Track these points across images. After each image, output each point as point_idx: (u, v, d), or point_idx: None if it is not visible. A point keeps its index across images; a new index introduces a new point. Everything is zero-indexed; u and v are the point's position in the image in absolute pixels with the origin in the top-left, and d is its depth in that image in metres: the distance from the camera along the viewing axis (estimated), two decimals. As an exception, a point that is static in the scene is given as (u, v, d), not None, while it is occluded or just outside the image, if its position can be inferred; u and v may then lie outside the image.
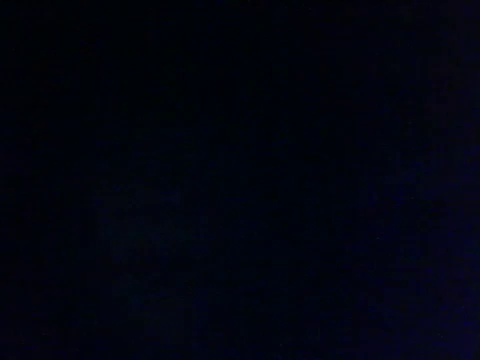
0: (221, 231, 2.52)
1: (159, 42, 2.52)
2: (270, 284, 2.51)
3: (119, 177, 2.51)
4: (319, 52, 2.53)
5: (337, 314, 2.50)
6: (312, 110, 2.54)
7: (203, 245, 2.52)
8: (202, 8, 2.51)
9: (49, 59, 2.53)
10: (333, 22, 2.53)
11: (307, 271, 2.52)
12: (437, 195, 2.52)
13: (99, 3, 2.52)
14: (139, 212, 2.50)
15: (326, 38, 2.53)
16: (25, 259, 2.47)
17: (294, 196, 2.53)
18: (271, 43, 2.53)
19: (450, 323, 2.50)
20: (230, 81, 2.54)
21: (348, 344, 2.50)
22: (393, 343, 2.50)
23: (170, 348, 2.50)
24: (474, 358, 2.48)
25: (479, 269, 2.50)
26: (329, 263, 2.52)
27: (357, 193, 2.52)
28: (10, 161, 2.51)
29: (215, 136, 2.53)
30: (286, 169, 2.53)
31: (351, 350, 2.50)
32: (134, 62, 2.52)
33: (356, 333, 2.50)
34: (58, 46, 2.52)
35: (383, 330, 2.50)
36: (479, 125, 2.53)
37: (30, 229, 2.47)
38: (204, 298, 2.51)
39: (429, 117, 2.54)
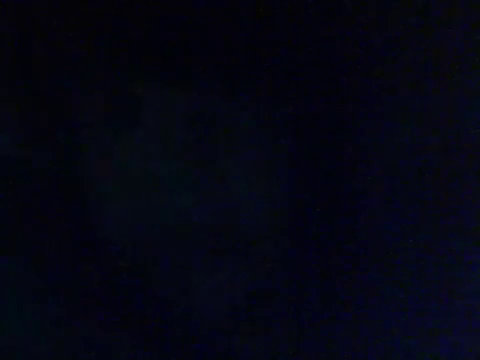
0: (220, 230, 2.53)
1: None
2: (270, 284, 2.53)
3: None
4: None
5: (337, 314, 2.51)
6: (312, 109, 2.54)
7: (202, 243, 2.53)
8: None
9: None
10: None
11: (308, 270, 2.52)
12: (437, 194, 2.53)
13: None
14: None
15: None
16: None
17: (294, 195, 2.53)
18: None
19: (450, 323, 2.50)
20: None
21: (348, 344, 2.51)
22: (393, 343, 2.51)
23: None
24: (474, 358, 2.49)
25: (479, 269, 2.51)
26: (329, 263, 2.52)
27: (357, 190, 2.53)
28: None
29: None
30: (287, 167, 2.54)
31: (351, 350, 2.51)
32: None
33: (356, 333, 2.51)
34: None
35: (383, 330, 2.51)
36: (479, 124, 2.53)
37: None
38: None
39: (429, 116, 2.54)
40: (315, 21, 2.50)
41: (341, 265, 2.52)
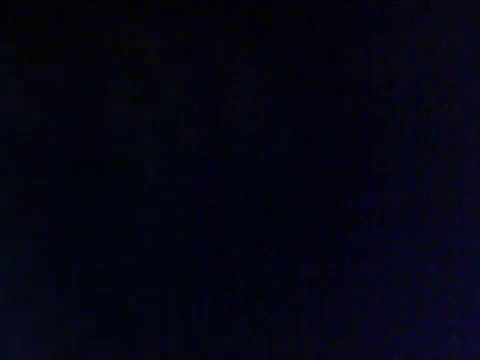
0: (220, 230, 2.53)
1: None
2: (269, 284, 2.52)
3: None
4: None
5: (337, 314, 2.51)
6: (312, 110, 2.54)
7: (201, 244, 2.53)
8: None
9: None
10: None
11: (307, 271, 2.52)
12: (437, 195, 2.53)
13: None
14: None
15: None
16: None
17: (293, 196, 2.53)
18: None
19: (450, 323, 2.50)
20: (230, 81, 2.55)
21: (349, 344, 2.51)
22: (394, 343, 2.51)
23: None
24: (474, 358, 2.49)
25: (479, 269, 2.51)
26: (329, 263, 2.52)
27: (357, 193, 2.53)
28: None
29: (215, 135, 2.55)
30: (285, 168, 2.54)
31: (352, 350, 2.51)
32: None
33: (356, 333, 2.51)
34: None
35: (384, 330, 2.51)
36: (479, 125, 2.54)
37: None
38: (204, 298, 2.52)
39: (430, 117, 2.54)
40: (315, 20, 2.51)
41: (341, 265, 2.52)
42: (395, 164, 2.53)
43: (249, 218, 2.53)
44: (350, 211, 2.53)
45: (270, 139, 2.54)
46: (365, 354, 2.50)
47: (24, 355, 2.54)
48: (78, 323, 2.53)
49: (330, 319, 2.52)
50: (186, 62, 2.55)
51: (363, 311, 2.51)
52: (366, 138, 2.54)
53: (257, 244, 2.53)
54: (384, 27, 2.53)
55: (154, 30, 2.55)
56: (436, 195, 2.52)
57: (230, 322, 2.52)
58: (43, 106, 2.56)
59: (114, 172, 2.54)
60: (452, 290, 2.50)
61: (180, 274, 2.53)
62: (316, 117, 2.54)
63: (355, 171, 2.54)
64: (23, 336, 2.54)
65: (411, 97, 2.54)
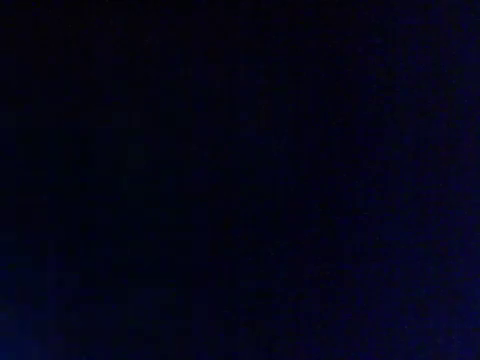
0: (220, 231, 2.53)
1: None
2: (270, 284, 2.52)
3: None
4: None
5: (337, 314, 2.51)
6: (312, 110, 2.55)
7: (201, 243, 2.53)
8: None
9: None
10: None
11: (307, 271, 2.52)
12: (437, 195, 2.53)
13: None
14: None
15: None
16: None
17: (294, 196, 2.54)
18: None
19: (450, 323, 2.50)
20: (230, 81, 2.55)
21: (349, 344, 2.51)
22: (393, 343, 2.51)
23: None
24: (474, 358, 2.49)
25: (479, 269, 2.51)
26: (329, 263, 2.52)
27: (357, 193, 2.53)
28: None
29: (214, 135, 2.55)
30: (286, 169, 2.54)
31: (352, 350, 2.51)
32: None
33: (356, 333, 2.51)
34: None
35: (383, 330, 2.51)
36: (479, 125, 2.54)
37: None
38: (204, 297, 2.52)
39: (430, 117, 2.54)
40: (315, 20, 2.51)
41: (341, 265, 2.53)
42: (395, 164, 2.53)
43: (249, 219, 2.53)
44: (350, 211, 2.53)
45: (270, 139, 2.54)
46: (365, 354, 2.50)
47: (24, 354, 2.54)
48: (77, 322, 2.53)
49: (330, 319, 2.52)
50: (186, 62, 2.55)
51: (363, 311, 2.51)
52: (366, 138, 2.54)
53: (257, 244, 2.53)
54: (384, 27, 2.54)
55: (154, 29, 2.55)
56: (436, 195, 2.53)
57: (230, 322, 2.52)
58: (43, 106, 2.56)
59: (114, 172, 2.55)
60: (452, 290, 2.50)
61: (180, 274, 2.53)
62: (316, 117, 2.54)
63: (355, 171, 2.54)
64: (22, 335, 2.54)
65: (411, 97, 2.54)
